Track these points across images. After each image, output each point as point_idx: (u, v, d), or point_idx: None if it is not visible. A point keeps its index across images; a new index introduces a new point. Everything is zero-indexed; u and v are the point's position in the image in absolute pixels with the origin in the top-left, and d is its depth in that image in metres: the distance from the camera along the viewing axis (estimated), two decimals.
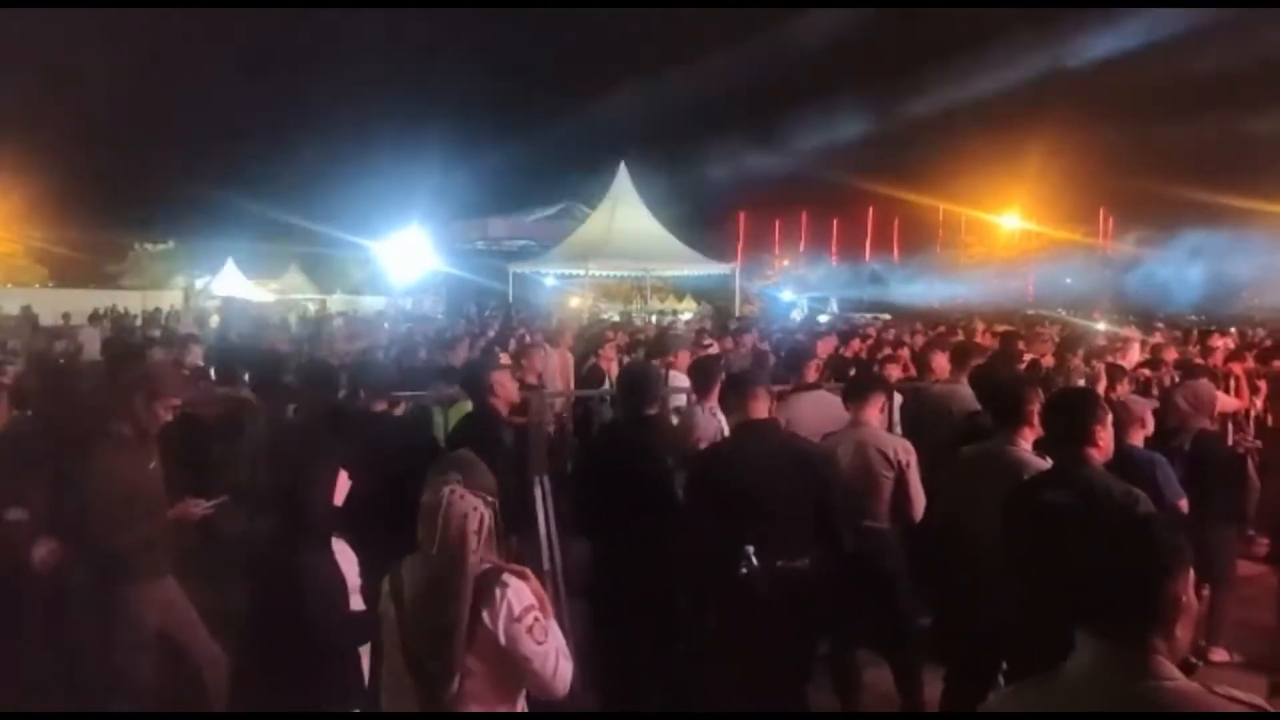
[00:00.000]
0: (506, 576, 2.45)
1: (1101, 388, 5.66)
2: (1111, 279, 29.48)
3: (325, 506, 2.95)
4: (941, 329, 14.03)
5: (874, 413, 4.68)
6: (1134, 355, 8.72)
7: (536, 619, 2.43)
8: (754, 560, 3.64)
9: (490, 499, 2.50)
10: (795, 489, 3.84)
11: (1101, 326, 17.41)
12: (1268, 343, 11.14)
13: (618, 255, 22.42)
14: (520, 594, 2.43)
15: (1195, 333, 12.80)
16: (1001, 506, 3.51)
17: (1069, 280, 30.48)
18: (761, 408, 4.11)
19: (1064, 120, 30.08)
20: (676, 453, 4.39)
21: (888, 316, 26.81)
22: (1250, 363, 8.46)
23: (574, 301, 24.21)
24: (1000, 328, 14.32)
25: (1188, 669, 2.21)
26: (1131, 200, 31.49)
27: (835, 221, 36.71)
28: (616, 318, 21.91)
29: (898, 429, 6.11)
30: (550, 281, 25.46)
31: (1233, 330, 13.84)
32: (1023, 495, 3.48)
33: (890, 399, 5.35)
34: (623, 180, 24.16)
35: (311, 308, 25.74)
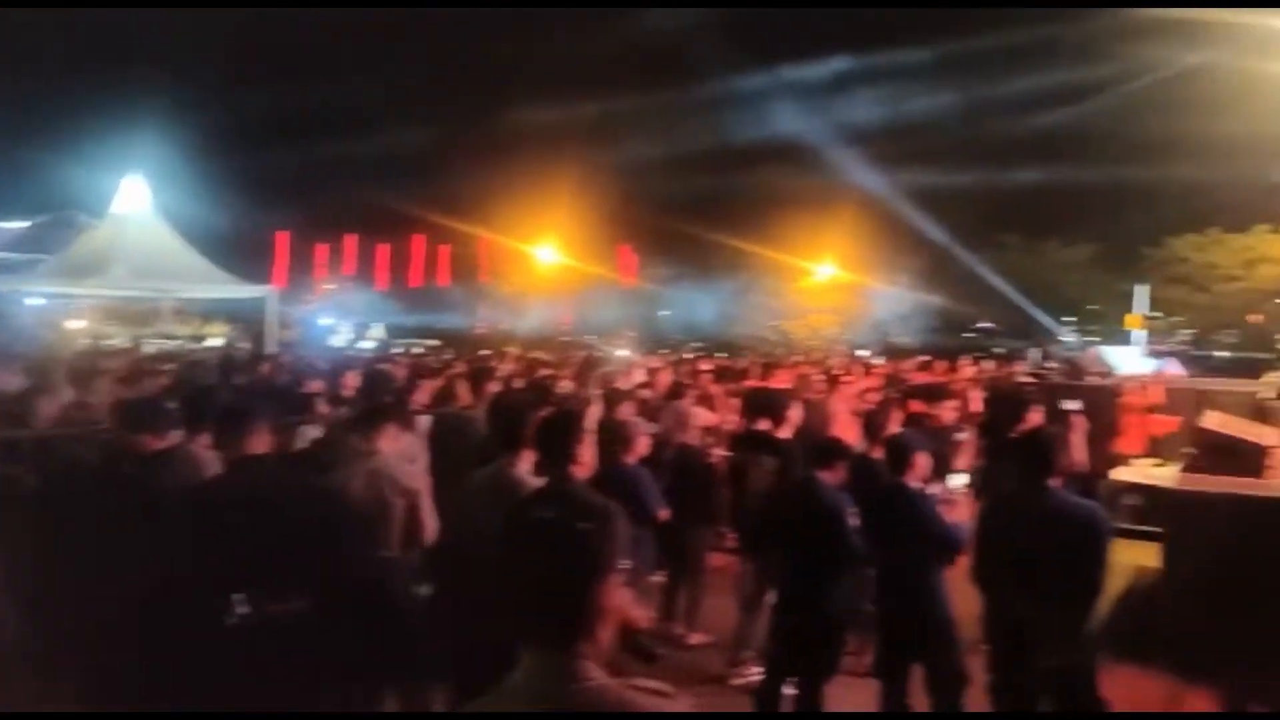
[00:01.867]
0: None
1: (601, 410, 6.24)
2: (632, 311, 33.13)
3: None
4: (481, 354, 14.63)
5: (386, 441, 4.64)
6: (638, 378, 9.81)
7: None
8: (243, 608, 3.38)
9: None
10: (295, 528, 3.65)
11: (621, 353, 19.43)
12: (742, 365, 13.31)
13: (128, 273, 19.66)
14: None
15: (689, 358, 14.83)
16: (500, 526, 3.66)
17: (598, 311, 33.50)
18: (260, 443, 3.87)
19: (589, 162, 33.18)
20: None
21: (437, 342, 27.12)
22: (729, 384, 10.03)
23: (70, 325, 20.72)
24: (533, 353, 15.32)
25: (647, 658, 2.47)
26: (650, 240, 35.85)
27: (385, 248, 36.09)
28: (127, 344, 19.27)
29: (424, 456, 6.16)
30: (37, 302, 21.56)
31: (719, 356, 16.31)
32: (516, 513, 3.67)
33: (405, 427, 5.35)
34: (138, 189, 21.29)
35: None
